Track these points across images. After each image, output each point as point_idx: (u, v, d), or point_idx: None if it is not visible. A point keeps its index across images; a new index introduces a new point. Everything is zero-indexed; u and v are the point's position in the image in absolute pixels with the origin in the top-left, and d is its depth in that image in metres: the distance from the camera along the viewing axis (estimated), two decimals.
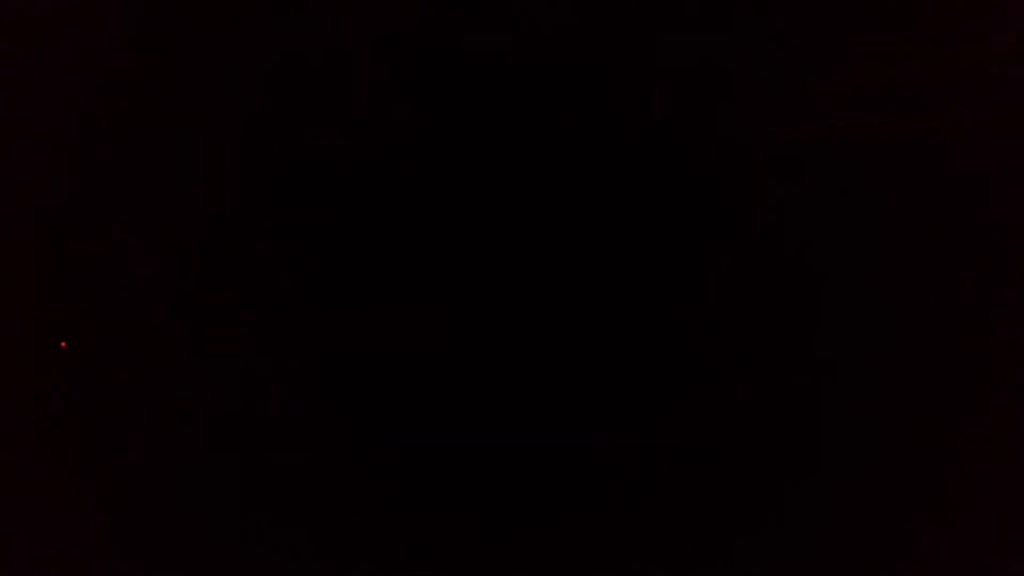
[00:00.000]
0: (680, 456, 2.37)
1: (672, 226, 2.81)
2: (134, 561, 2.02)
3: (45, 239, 2.56)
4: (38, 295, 2.52)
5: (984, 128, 2.49)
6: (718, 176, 2.83)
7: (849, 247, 2.67)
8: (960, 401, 2.35)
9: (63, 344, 2.54)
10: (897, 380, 2.48)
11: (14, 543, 2.00)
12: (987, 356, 2.43)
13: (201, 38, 2.67)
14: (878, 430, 2.37)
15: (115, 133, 2.70)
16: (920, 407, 2.38)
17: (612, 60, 2.78)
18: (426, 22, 2.72)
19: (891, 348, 2.55)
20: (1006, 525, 2.02)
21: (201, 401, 2.49)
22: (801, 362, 2.56)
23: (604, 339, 2.47)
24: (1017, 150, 2.43)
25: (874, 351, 2.56)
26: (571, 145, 2.85)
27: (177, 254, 2.74)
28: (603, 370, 2.44)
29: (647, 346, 2.46)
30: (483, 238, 2.43)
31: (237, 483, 2.23)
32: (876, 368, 2.54)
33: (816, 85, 2.65)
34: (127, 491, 2.18)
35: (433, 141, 2.81)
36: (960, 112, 2.53)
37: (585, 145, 2.85)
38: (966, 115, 2.52)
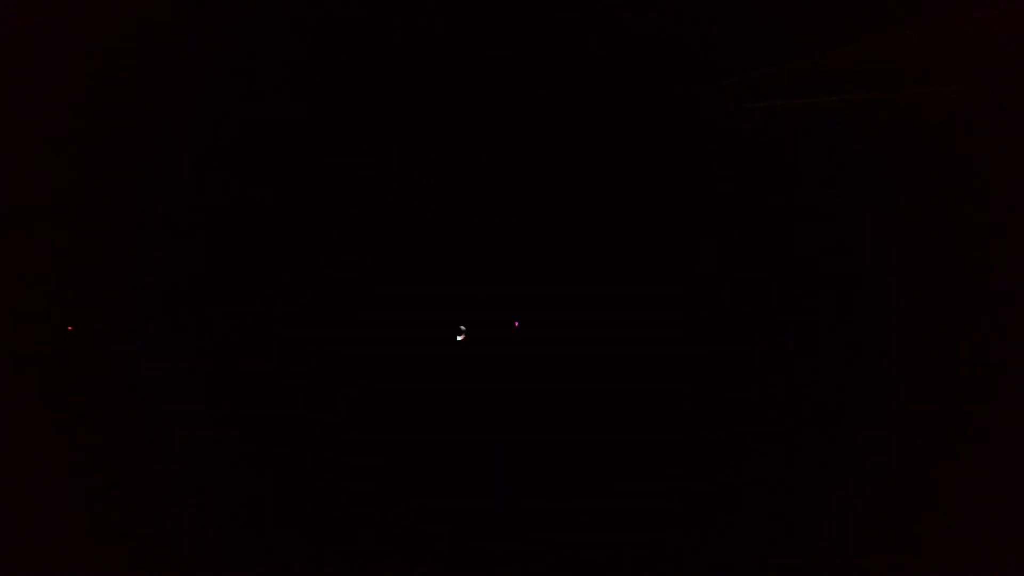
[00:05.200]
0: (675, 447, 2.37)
1: (653, 204, 2.80)
2: (134, 561, 2.03)
3: (44, 238, 2.56)
4: (38, 294, 2.53)
5: (963, 100, 2.48)
6: (697, 150, 2.82)
7: (832, 222, 2.66)
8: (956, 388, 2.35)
9: (70, 328, 2.55)
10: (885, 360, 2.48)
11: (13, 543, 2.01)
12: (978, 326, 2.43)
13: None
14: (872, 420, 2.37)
15: (126, 133, 2.70)
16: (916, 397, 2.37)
17: (590, 40, 2.77)
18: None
19: (882, 326, 2.54)
20: (1006, 525, 2.02)
21: (199, 400, 2.49)
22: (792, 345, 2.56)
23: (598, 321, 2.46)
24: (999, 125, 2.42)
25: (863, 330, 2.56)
26: (553, 128, 2.84)
27: (180, 254, 2.75)
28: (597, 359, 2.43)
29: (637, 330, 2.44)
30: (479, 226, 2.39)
31: (234, 483, 2.24)
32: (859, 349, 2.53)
33: (796, 60, 2.64)
34: (124, 491, 2.19)
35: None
36: (938, 84, 2.52)
37: (565, 126, 2.84)
38: (943, 87, 2.51)
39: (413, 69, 2.83)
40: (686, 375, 2.58)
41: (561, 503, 2.21)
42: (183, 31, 2.63)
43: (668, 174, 2.86)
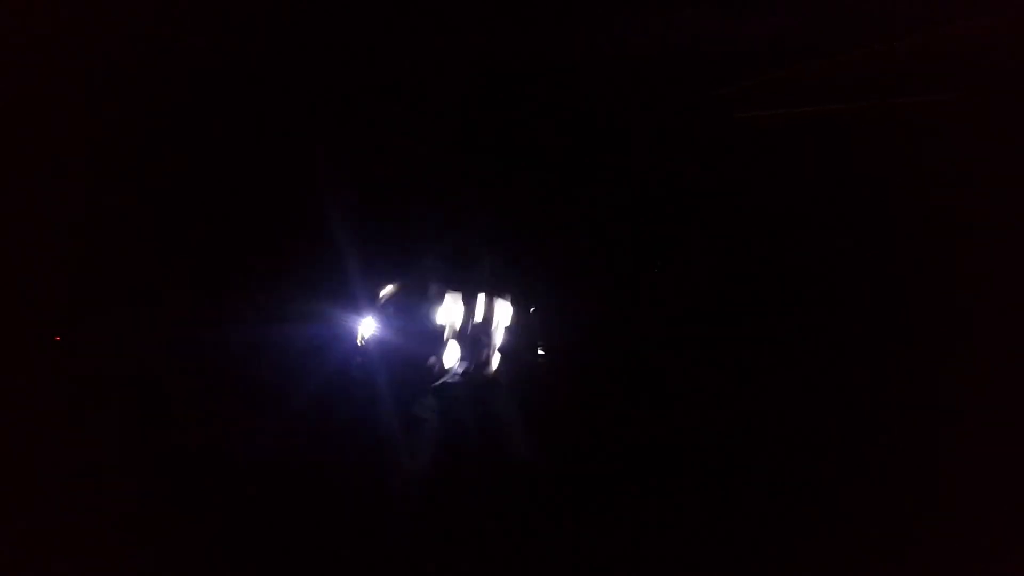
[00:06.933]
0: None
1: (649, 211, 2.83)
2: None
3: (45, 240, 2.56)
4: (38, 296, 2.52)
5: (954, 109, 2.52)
6: (690, 159, 2.85)
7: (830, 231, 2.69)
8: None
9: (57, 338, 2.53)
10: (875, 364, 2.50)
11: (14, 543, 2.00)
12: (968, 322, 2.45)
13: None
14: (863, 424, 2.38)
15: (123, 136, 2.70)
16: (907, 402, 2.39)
17: (584, 50, 2.80)
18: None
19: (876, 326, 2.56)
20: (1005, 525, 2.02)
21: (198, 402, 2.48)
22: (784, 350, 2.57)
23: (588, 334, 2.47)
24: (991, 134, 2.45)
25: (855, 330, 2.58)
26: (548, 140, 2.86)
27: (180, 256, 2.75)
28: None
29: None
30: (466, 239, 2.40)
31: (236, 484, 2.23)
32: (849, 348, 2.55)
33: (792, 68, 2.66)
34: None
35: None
36: (930, 93, 2.56)
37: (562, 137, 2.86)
38: (935, 96, 2.55)
39: (408, 70, 2.85)
40: (683, 379, 2.59)
41: (559, 503, 2.21)
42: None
43: (661, 183, 2.88)
